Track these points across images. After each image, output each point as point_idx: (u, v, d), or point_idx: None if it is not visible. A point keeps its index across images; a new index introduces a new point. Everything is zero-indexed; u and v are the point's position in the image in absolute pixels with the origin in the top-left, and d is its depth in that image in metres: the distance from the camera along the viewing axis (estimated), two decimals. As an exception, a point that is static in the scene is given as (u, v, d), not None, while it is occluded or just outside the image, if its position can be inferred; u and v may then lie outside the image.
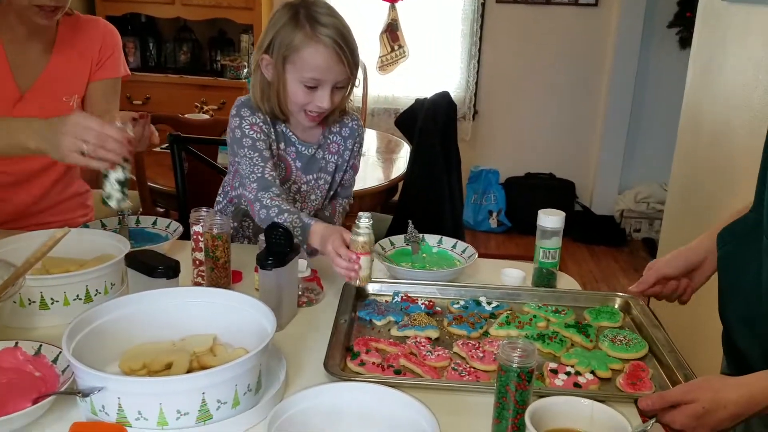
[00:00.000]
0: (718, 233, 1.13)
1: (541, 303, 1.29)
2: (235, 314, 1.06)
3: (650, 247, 3.99)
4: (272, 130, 1.50)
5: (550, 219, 1.34)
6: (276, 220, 1.30)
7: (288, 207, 1.34)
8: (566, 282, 1.43)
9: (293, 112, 1.45)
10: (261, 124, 1.45)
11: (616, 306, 1.32)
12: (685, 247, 1.24)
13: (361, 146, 1.63)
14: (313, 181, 1.58)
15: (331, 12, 1.39)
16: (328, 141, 1.57)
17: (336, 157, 1.58)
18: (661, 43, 4.02)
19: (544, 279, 1.37)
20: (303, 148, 1.53)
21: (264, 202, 1.35)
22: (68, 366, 0.94)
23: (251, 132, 1.44)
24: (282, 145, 1.53)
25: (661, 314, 2.92)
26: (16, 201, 1.66)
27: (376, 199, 2.60)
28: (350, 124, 1.59)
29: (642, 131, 4.19)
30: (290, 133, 1.52)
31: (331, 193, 1.65)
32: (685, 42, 3.82)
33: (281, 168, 1.53)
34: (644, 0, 3.91)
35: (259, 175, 1.39)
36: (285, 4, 1.41)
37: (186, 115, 2.64)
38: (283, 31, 1.37)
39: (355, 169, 1.65)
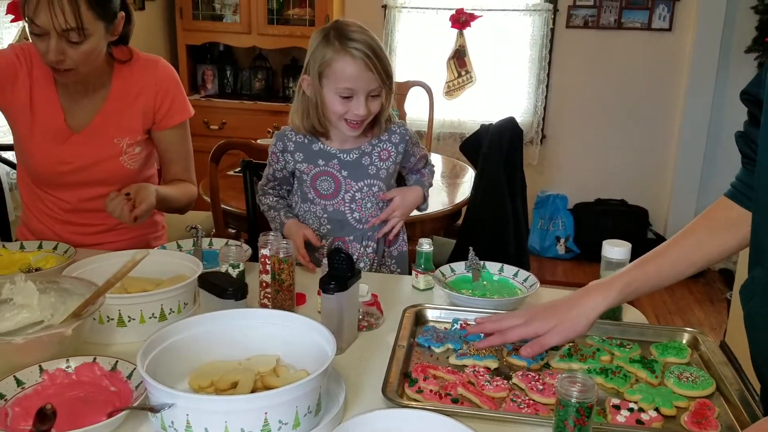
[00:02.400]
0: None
1: (605, 336, 1.27)
2: (297, 336, 1.09)
3: (727, 279, 3.82)
4: (299, 156, 1.62)
5: (616, 250, 1.32)
6: (263, 208, 1.71)
7: (275, 206, 1.68)
8: (632, 315, 1.40)
9: (334, 122, 1.57)
10: (278, 153, 1.65)
11: (684, 341, 1.28)
12: (548, 307, 1.17)
13: (414, 144, 1.70)
14: (366, 188, 1.64)
15: (361, 29, 1.51)
16: (377, 149, 1.64)
17: (388, 164, 1.65)
18: (738, 68, 3.88)
19: (609, 311, 1.33)
20: (344, 155, 1.62)
21: (262, 200, 1.71)
22: (141, 382, 0.99)
23: (272, 159, 1.68)
24: (321, 162, 1.62)
25: (736, 348, 2.79)
26: (89, 223, 1.76)
27: (439, 224, 2.61)
28: (398, 130, 1.67)
29: (719, 158, 4.04)
30: (329, 148, 1.63)
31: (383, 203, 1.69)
32: (764, 67, 3.68)
33: (329, 183, 1.62)
34: (721, 25, 3.80)
35: (262, 182, 1.72)
36: (319, 29, 1.55)
37: (258, 141, 2.73)
38: (317, 50, 1.52)
39: (424, 157, 1.74)
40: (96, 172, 1.70)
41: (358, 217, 1.65)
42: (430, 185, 1.75)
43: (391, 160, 1.65)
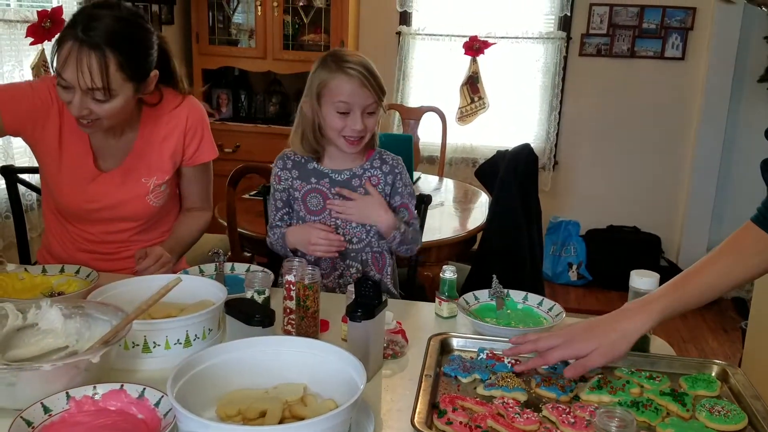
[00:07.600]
0: None
1: (634, 368, 1.25)
2: (324, 365, 1.08)
3: (740, 308, 3.79)
4: (295, 173, 1.68)
5: (645, 281, 1.30)
6: (273, 241, 1.71)
7: (277, 232, 1.70)
8: (660, 346, 1.38)
9: (333, 140, 1.62)
10: (280, 173, 1.70)
11: (713, 374, 1.26)
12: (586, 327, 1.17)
13: (405, 185, 1.72)
14: None
15: (356, 54, 1.62)
16: (368, 173, 1.69)
17: (377, 189, 1.68)
18: (751, 97, 3.89)
19: (638, 342, 1.32)
20: (336, 175, 1.68)
21: (270, 238, 1.73)
22: (170, 410, 0.98)
23: (275, 182, 1.72)
24: (313, 180, 1.68)
25: (752, 378, 2.75)
26: (112, 252, 1.76)
27: (454, 249, 2.60)
28: (390, 162, 1.71)
29: (732, 186, 4.04)
30: (321, 167, 1.68)
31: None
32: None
33: (318, 199, 1.68)
34: (734, 54, 3.82)
35: (271, 219, 1.75)
36: (319, 57, 1.65)
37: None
38: (315, 75, 1.62)
39: (407, 207, 1.72)
40: (122, 210, 1.71)
41: (342, 234, 1.67)
42: (404, 239, 1.67)
43: (379, 187, 1.69)
